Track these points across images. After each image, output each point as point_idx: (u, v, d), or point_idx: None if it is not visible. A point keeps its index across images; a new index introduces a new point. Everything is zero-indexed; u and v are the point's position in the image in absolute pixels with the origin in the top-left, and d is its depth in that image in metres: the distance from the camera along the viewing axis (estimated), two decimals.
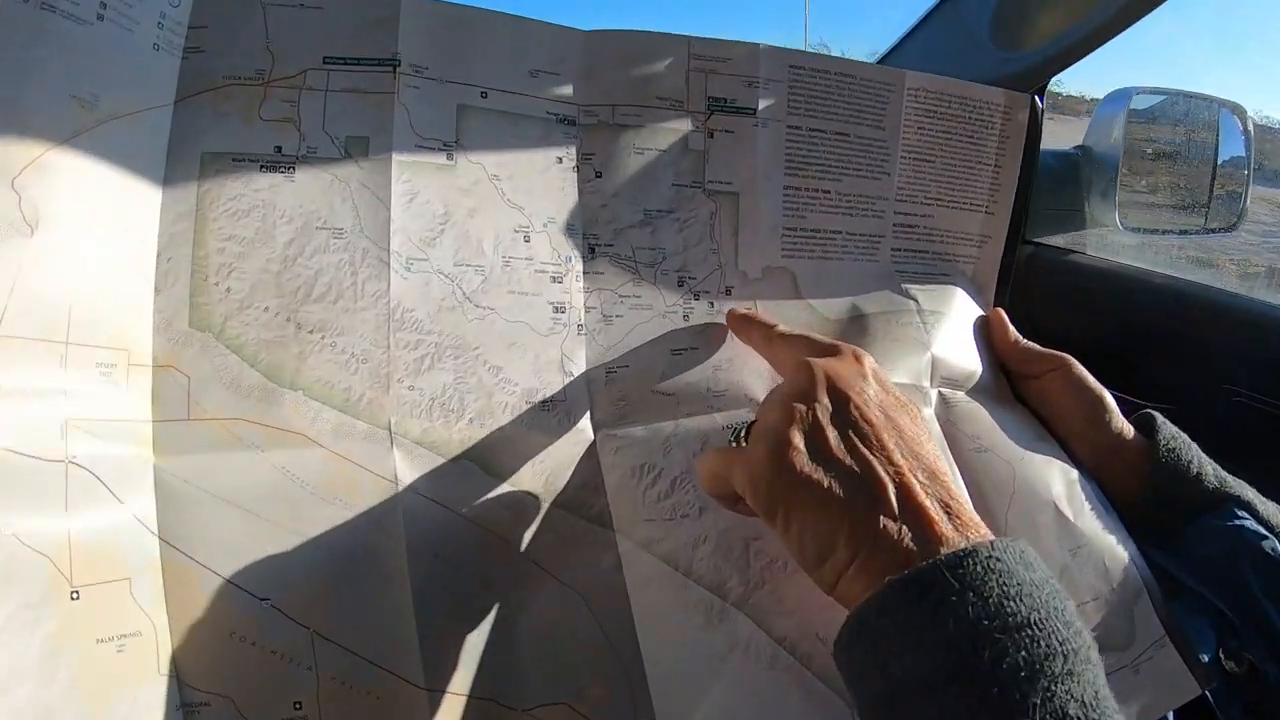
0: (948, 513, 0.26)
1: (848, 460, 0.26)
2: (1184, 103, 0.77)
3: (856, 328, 0.42)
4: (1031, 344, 0.45)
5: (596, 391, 0.36)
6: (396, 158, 0.34)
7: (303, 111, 0.33)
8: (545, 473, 0.34)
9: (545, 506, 0.34)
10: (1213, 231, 0.77)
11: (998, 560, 0.23)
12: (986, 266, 0.49)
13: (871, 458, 0.27)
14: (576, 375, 0.36)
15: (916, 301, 0.44)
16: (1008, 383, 0.46)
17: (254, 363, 0.30)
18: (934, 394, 0.42)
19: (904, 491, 0.26)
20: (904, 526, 0.25)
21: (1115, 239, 0.74)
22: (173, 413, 0.29)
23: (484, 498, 0.33)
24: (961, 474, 0.39)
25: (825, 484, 0.26)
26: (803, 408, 0.28)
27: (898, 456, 0.27)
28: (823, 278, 0.43)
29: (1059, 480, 0.39)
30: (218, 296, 0.31)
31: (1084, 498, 0.39)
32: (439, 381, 0.33)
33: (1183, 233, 0.78)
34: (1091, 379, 0.43)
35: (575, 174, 0.38)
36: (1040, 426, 0.43)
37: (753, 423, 0.31)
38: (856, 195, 0.44)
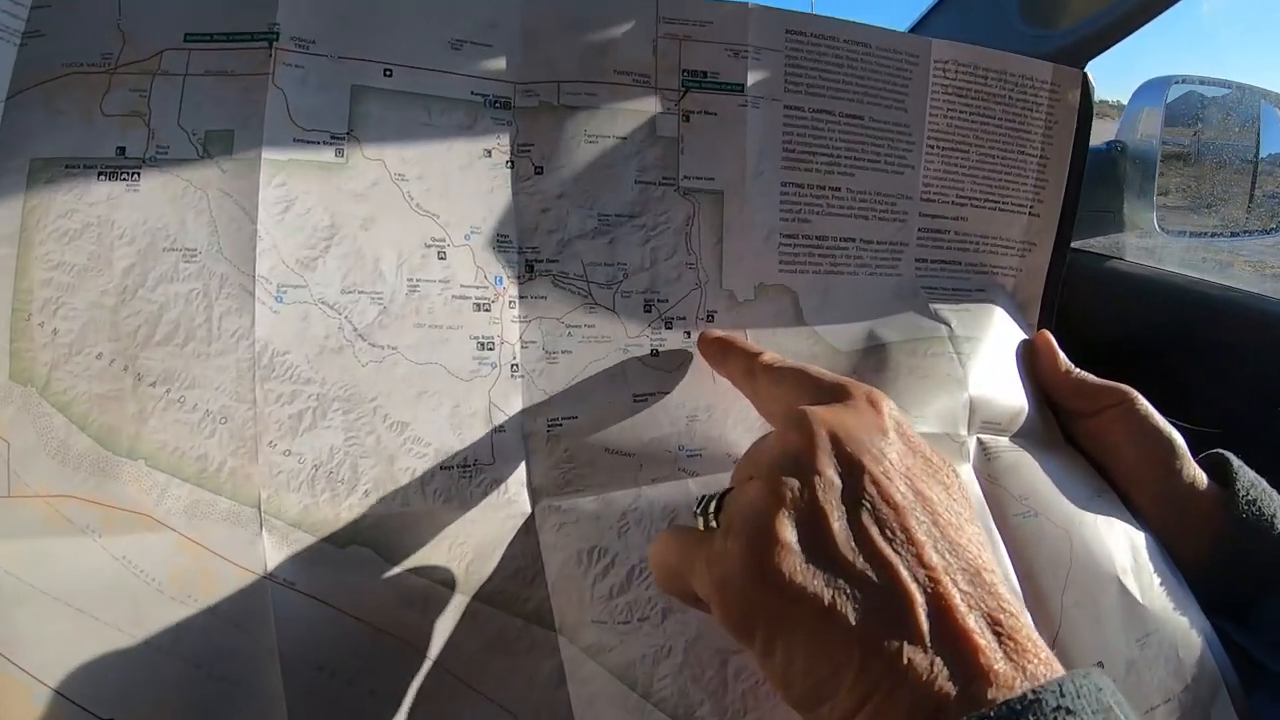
0: (998, 635, 0.19)
1: (859, 563, 0.20)
2: (1231, 93, 0.73)
3: (874, 361, 0.34)
4: (1086, 374, 0.38)
5: (535, 451, 0.30)
6: (267, 156, 0.28)
7: (154, 102, 0.27)
8: (466, 558, 0.28)
9: (466, 601, 0.28)
10: (1255, 234, 0.73)
11: (1067, 713, 0.17)
12: (1030, 279, 0.41)
13: (893, 557, 0.20)
14: (509, 430, 0.29)
15: (949, 325, 0.37)
16: (1056, 422, 0.38)
17: (84, 424, 0.25)
18: (972, 443, 0.35)
19: (939, 606, 0.19)
20: (937, 659, 0.18)
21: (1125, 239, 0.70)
22: None
23: (384, 593, 0.27)
24: (1007, 547, 0.32)
25: (826, 598, 0.19)
26: (796, 483, 0.21)
27: (930, 553, 0.20)
28: (831, 298, 0.35)
29: (1123, 547, 0.33)
30: (42, 340, 0.26)
31: (1152, 568, 0.33)
32: (323, 444, 0.27)
33: (1233, 235, 0.73)
34: (1158, 416, 0.36)
35: (509, 170, 0.31)
36: (1097, 476, 0.36)
37: (727, 492, 0.23)
38: (873, 193, 0.36)
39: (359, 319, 0.28)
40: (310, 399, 0.27)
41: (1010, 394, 0.36)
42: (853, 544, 0.20)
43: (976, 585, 0.20)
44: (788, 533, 0.20)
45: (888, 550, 0.20)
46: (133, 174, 0.27)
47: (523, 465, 0.29)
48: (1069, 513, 0.33)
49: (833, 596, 0.19)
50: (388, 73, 0.29)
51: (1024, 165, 0.40)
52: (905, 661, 0.18)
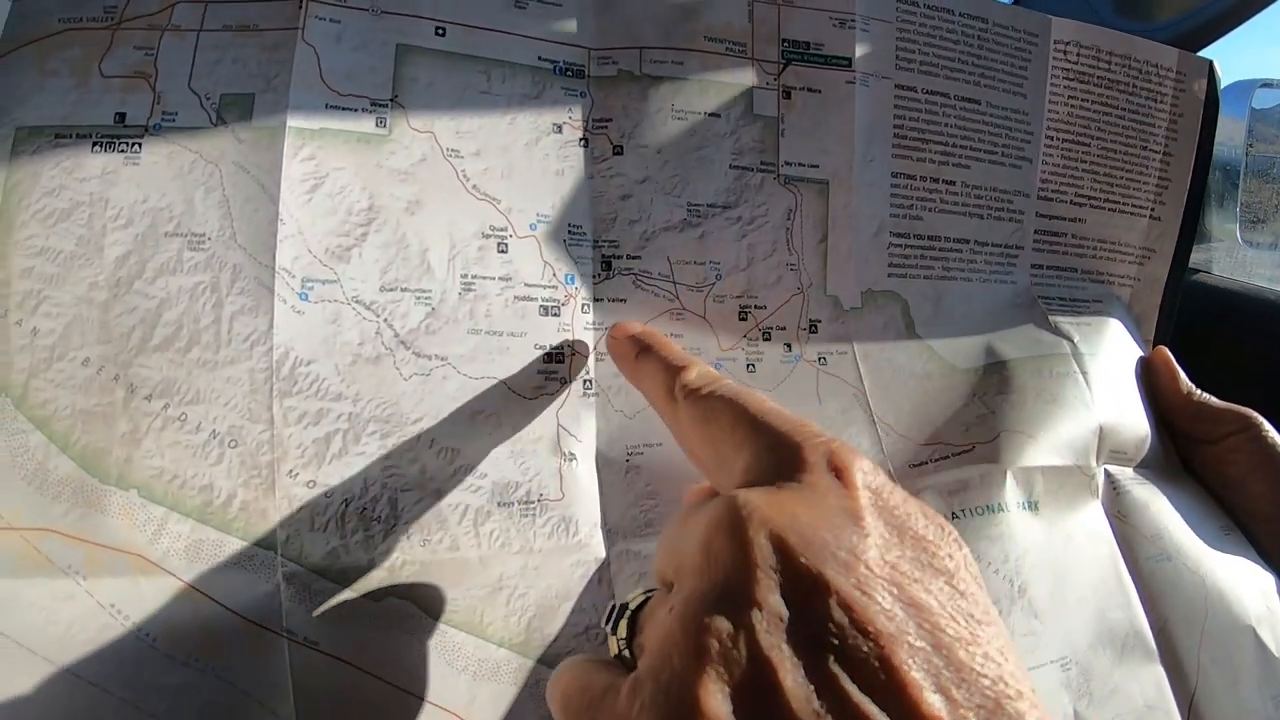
0: None
1: None
2: None
3: (997, 381, 0.30)
4: (1208, 397, 0.35)
5: (611, 484, 0.26)
6: (293, 124, 0.24)
7: (163, 62, 0.24)
8: (527, 613, 0.24)
9: (528, 665, 0.24)
10: None
11: None
12: (1148, 290, 0.37)
13: (877, 716, 0.14)
14: (581, 460, 0.25)
15: (1071, 341, 0.32)
16: (1174, 449, 0.35)
17: (66, 445, 0.22)
18: (1100, 476, 0.31)
19: None
20: None
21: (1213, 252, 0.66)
22: None
23: (427, 655, 0.24)
24: (1140, 596, 0.29)
25: None
26: (726, 627, 0.15)
27: (929, 697, 0.14)
28: (944, 307, 0.31)
29: (1254, 593, 0.30)
30: (20, 341, 0.22)
31: None
32: (356, 474, 0.24)
33: None
34: None
35: (582, 149, 0.27)
36: (1221, 511, 0.33)
37: (645, 600, 0.18)
38: (990, 189, 0.32)
39: (401, 323, 0.24)
40: (340, 419, 0.23)
41: (1135, 419, 0.33)
42: (816, 705, 0.14)
43: None
44: (716, 704, 0.14)
45: (867, 708, 0.14)
46: (133, 144, 0.23)
47: (596, 502, 0.25)
48: (1201, 555, 0.30)
49: None
50: (440, 31, 0.25)
51: (1147, 162, 0.36)
52: None
